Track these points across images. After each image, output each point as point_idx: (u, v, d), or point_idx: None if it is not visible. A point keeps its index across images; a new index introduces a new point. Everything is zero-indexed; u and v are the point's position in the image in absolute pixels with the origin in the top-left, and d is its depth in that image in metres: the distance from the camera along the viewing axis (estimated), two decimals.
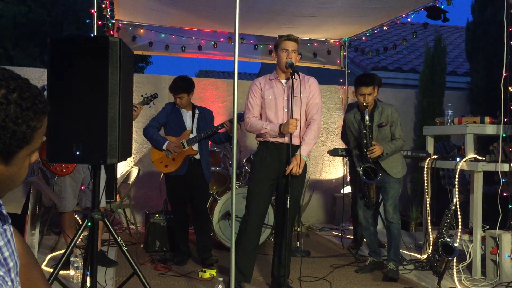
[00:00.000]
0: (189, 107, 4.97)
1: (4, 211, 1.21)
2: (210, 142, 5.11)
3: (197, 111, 5.00)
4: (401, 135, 4.57)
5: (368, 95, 4.48)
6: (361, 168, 4.40)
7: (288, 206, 3.77)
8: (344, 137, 5.58)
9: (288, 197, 3.76)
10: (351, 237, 5.90)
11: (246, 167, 5.68)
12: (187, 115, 4.95)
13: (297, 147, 3.86)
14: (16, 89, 1.05)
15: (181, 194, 4.91)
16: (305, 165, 3.93)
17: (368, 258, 4.78)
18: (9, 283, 1.14)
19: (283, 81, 3.99)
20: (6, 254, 1.16)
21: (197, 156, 4.88)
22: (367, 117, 4.41)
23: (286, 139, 3.87)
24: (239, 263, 3.81)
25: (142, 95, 4.99)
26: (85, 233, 3.30)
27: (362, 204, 4.66)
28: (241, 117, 4.41)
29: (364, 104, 4.45)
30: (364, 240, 5.23)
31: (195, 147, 4.87)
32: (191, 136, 4.87)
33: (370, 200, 4.55)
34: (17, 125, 1.04)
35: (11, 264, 1.16)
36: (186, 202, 4.98)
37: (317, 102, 3.98)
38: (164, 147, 4.80)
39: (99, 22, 5.84)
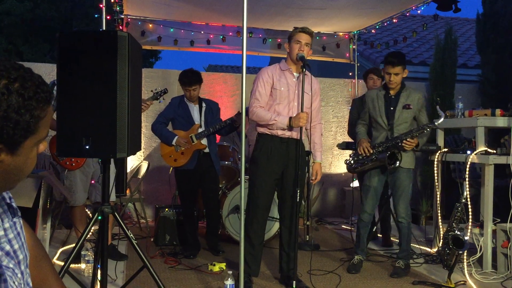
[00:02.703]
0: (196, 101, 4.97)
1: (14, 204, 1.22)
2: (217, 135, 5.12)
3: (203, 104, 5.01)
4: (427, 123, 4.40)
5: (395, 75, 4.37)
6: (388, 153, 4.27)
7: (297, 200, 3.78)
8: (351, 132, 5.52)
9: (298, 191, 3.76)
10: None
11: None
12: (194, 109, 4.95)
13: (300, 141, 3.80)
14: (18, 78, 1.04)
15: (190, 188, 4.93)
16: (308, 161, 3.97)
17: (355, 256, 4.55)
18: (19, 275, 1.15)
19: (295, 74, 3.95)
20: (16, 246, 1.17)
21: (206, 150, 4.89)
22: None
23: (293, 134, 3.86)
24: (246, 256, 3.82)
25: (152, 91, 5.01)
26: (96, 227, 3.32)
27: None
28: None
29: (390, 84, 4.36)
30: (374, 232, 5.24)
31: (204, 141, 4.88)
32: (200, 130, 4.88)
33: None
34: (20, 115, 1.02)
35: (21, 257, 1.18)
36: (195, 196, 5.00)
37: (319, 105, 4.13)
38: (174, 142, 4.82)
39: (108, 17, 5.87)
